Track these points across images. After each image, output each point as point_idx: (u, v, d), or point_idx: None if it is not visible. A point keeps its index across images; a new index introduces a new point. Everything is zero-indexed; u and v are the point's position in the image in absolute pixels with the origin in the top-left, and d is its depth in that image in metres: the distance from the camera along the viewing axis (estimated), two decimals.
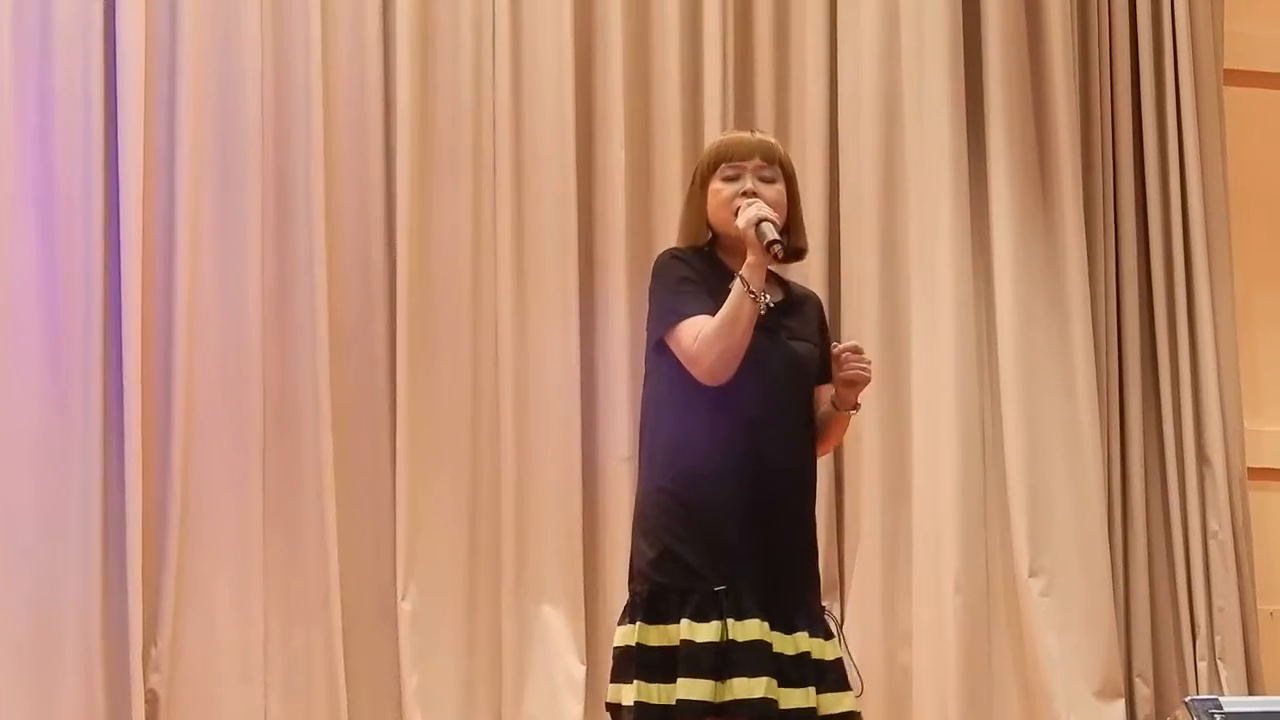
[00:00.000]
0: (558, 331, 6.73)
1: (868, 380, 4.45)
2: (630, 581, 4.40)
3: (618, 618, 4.37)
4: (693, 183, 4.53)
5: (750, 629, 4.21)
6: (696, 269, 4.41)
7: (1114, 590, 6.80)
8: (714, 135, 6.48)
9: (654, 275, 4.45)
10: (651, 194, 6.92)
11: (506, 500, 6.60)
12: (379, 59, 6.67)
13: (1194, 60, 7.12)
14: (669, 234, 6.24)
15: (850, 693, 4.34)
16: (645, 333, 4.42)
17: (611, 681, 4.36)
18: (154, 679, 6.25)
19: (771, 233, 4.24)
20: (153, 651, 6.26)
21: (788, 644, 4.25)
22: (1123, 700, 6.71)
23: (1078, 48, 7.04)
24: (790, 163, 4.50)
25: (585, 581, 6.68)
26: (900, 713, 6.72)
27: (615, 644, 4.37)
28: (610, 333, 6.80)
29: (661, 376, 4.42)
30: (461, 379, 6.68)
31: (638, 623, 4.29)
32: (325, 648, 6.34)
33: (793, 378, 4.41)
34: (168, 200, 6.44)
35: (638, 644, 4.29)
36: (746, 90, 7.01)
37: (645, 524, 4.39)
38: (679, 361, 4.34)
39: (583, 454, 6.72)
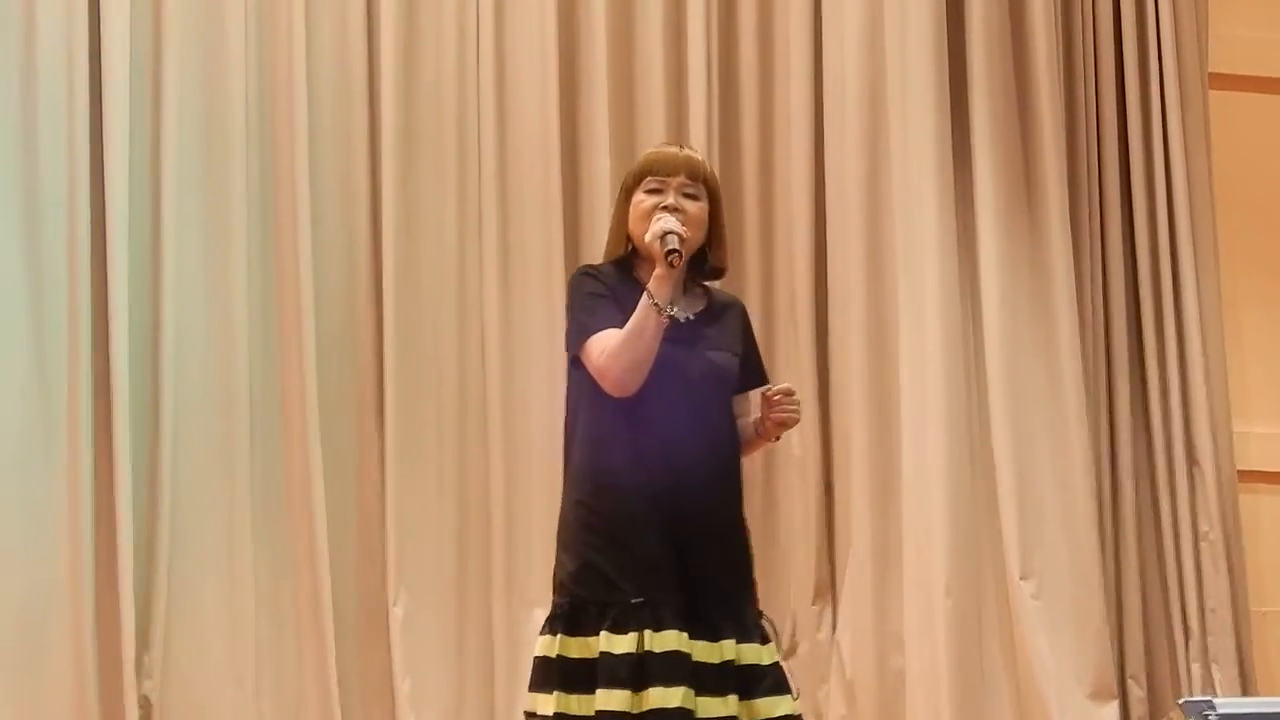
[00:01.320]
0: (543, 336, 6.71)
1: (797, 421, 4.50)
2: (553, 593, 4.43)
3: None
4: (619, 195, 4.57)
5: (668, 640, 4.25)
6: (607, 283, 4.46)
7: (1106, 592, 6.82)
8: (699, 138, 6.79)
9: (568, 291, 4.52)
10: None
11: (495, 505, 6.61)
12: (363, 61, 6.70)
13: (1179, 63, 7.16)
14: None
15: (787, 696, 4.37)
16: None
17: (530, 690, 4.40)
18: (147, 685, 6.27)
19: (672, 242, 4.28)
20: (145, 658, 6.28)
21: (712, 652, 4.29)
22: (1116, 702, 6.72)
23: (1062, 50, 7.07)
24: (716, 181, 4.55)
25: None
26: (893, 717, 6.72)
27: (535, 654, 4.40)
28: None
29: (578, 390, 4.48)
30: (448, 384, 6.69)
31: (558, 635, 4.33)
32: (317, 653, 6.37)
33: (711, 387, 4.45)
34: (153, 205, 6.48)
35: (559, 655, 4.33)
36: (731, 92, 7.02)
37: (565, 536, 4.44)
38: (591, 375, 4.41)
39: None
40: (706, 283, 4.60)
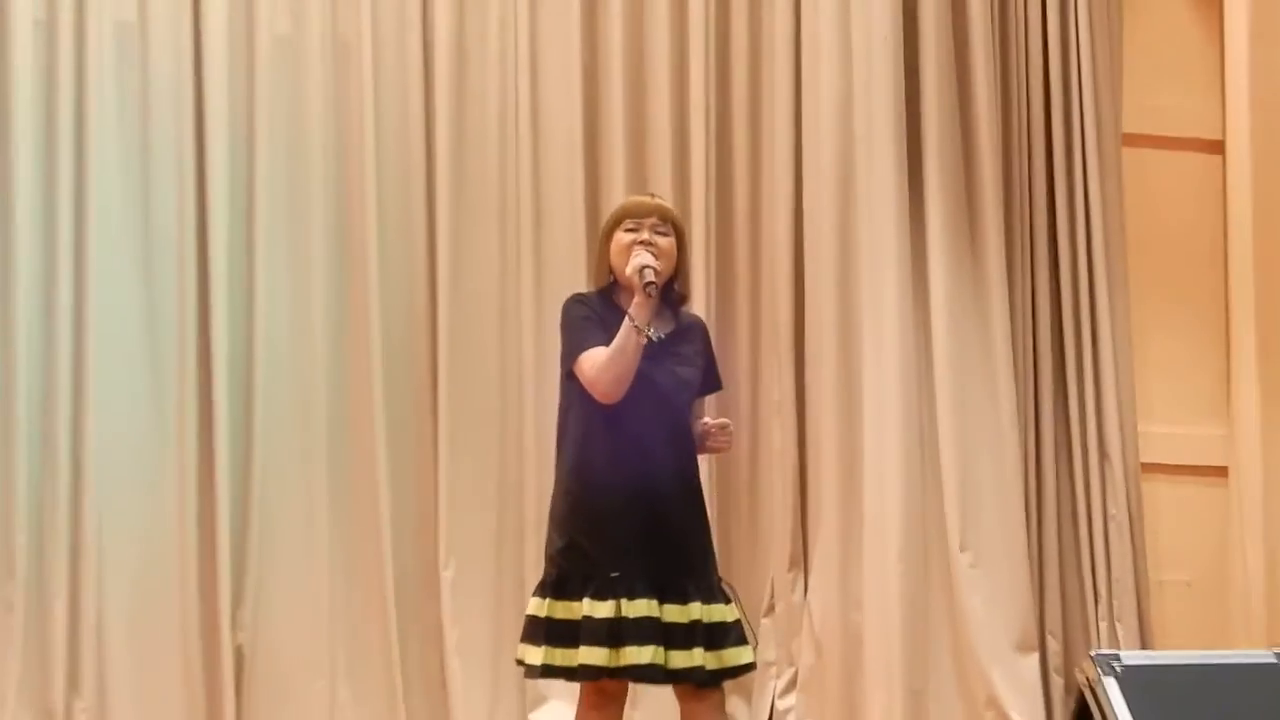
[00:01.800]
0: None
1: (727, 449, 4.99)
2: (545, 563, 4.78)
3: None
4: (601, 235, 4.89)
5: (639, 607, 4.59)
6: (594, 308, 4.77)
7: (1030, 562, 7.05)
8: (699, 181, 7.15)
9: (562, 316, 4.80)
10: None
11: (529, 486, 6.87)
12: (420, 112, 6.94)
13: (1098, 126, 7.33)
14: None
15: (748, 647, 4.74)
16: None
17: (521, 641, 4.75)
18: (240, 636, 6.69)
19: (649, 275, 4.61)
20: (239, 614, 6.69)
21: (681, 614, 4.63)
22: (1037, 654, 6.98)
23: (1000, 117, 7.24)
24: (681, 223, 4.87)
25: None
26: (854, 665, 6.98)
27: (527, 612, 4.75)
28: None
29: (568, 399, 4.79)
30: (491, 382, 6.92)
31: (547, 598, 4.68)
32: (380, 608, 6.70)
33: (677, 397, 4.78)
34: (247, 238, 6.78)
35: (546, 616, 4.67)
36: (725, 147, 7.30)
37: (555, 518, 4.78)
38: (583, 386, 4.70)
39: None
40: (679, 307, 4.90)
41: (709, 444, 4.86)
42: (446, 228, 6.92)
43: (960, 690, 6.95)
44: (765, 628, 7.17)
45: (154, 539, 6.65)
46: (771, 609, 7.19)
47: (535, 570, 6.18)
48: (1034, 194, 7.35)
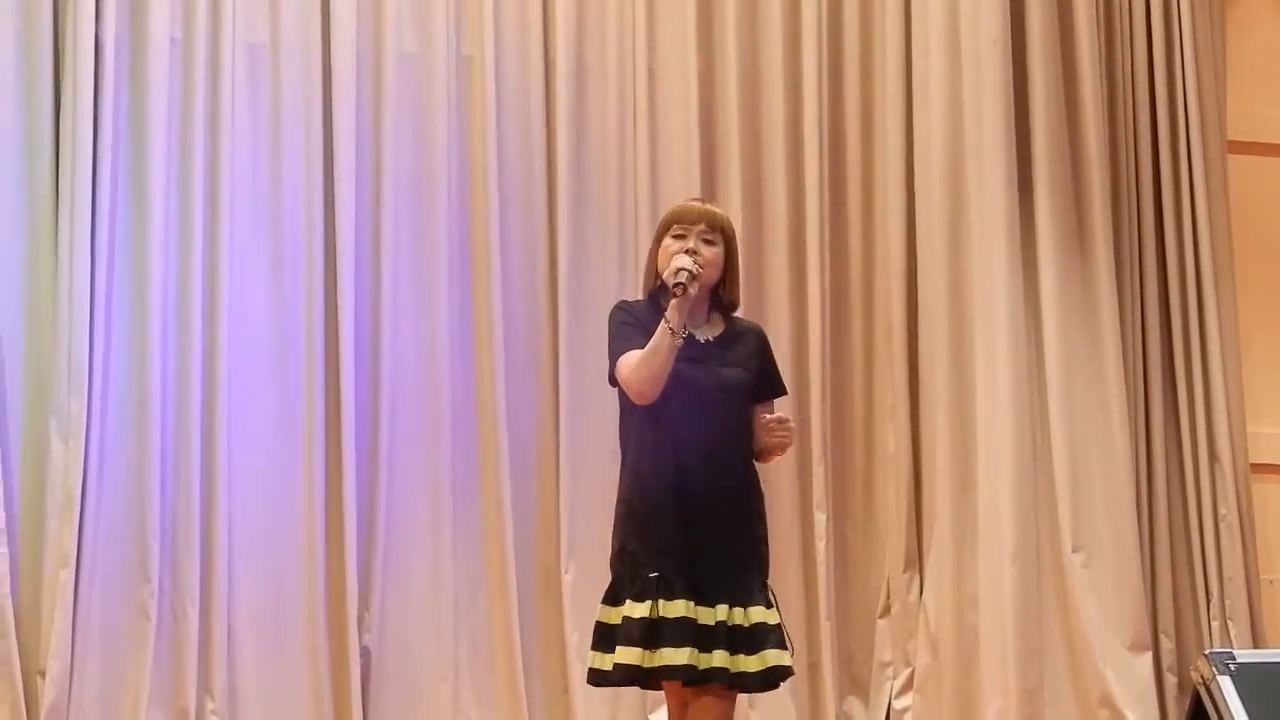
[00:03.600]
0: None
1: (788, 446, 4.78)
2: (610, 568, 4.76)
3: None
4: (653, 241, 4.83)
5: (677, 607, 4.55)
6: (635, 314, 4.73)
7: (1141, 563, 7.05)
8: (812, 186, 7.20)
9: (609, 324, 4.79)
10: (763, 253, 7.25)
11: None
12: (542, 136, 7.06)
13: (1203, 134, 7.38)
14: (779, 271, 7.01)
15: (786, 651, 4.66)
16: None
17: (592, 649, 4.73)
18: (366, 638, 6.74)
19: (681, 277, 4.56)
20: (366, 616, 6.75)
21: (711, 615, 4.58)
22: (1150, 653, 6.98)
23: (1108, 124, 7.27)
24: (731, 228, 4.79)
25: None
26: (969, 665, 7.02)
27: (596, 619, 4.73)
28: None
29: (621, 404, 4.79)
30: (610, 395, 5.76)
31: (603, 605, 4.71)
32: (504, 612, 6.76)
33: (720, 399, 4.70)
34: (374, 244, 6.86)
35: (600, 621, 4.69)
36: (839, 154, 7.36)
37: (615, 524, 4.77)
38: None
39: None
40: (731, 313, 4.83)
41: (767, 439, 4.78)
42: (567, 236, 7.01)
43: (1074, 690, 6.96)
44: (881, 629, 7.26)
45: (283, 544, 6.74)
46: (887, 610, 7.25)
47: None
48: (1141, 197, 7.38)
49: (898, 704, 7.15)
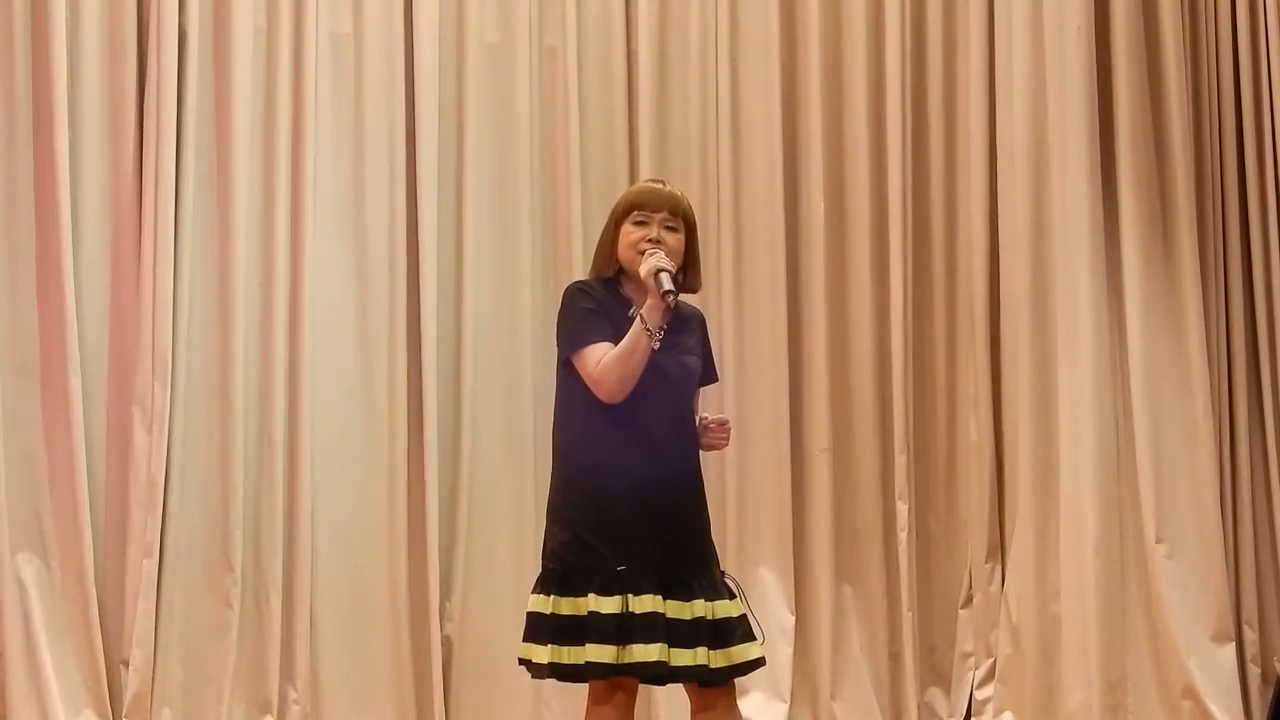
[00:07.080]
0: (767, 338, 7.13)
1: (724, 446, 4.77)
2: (545, 559, 4.61)
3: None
4: (608, 222, 4.72)
5: (645, 602, 4.47)
6: (598, 298, 4.62)
7: (1225, 554, 6.98)
8: (895, 180, 7.20)
9: (563, 303, 4.67)
10: (846, 242, 7.30)
11: (729, 482, 7.01)
12: (624, 113, 7.12)
13: None
14: (862, 260, 6.98)
15: (755, 643, 4.61)
16: (555, 348, 4.63)
17: (524, 640, 4.61)
18: (448, 627, 6.85)
19: (667, 283, 4.47)
20: (447, 606, 6.85)
21: (684, 610, 4.51)
22: (1233, 644, 6.92)
23: (1192, 114, 7.19)
24: (693, 214, 4.71)
25: (794, 549, 7.08)
26: (1051, 656, 6.98)
27: (529, 609, 4.59)
28: (811, 341, 7.20)
29: (568, 387, 4.67)
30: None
31: (551, 595, 4.54)
32: None
33: (683, 387, 4.68)
34: (456, 244, 6.94)
35: (551, 613, 4.53)
36: (921, 152, 7.37)
37: (556, 510, 4.63)
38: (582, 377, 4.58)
39: (791, 442, 7.09)
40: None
41: (707, 440, 4.74)
42: None
43: (1157, 680, 6.92)
44: (963, 619, 7.27)
45: (365, 532, 6.81)
46: (969, 600, 7.25)
47: (737, 565, 6.81)
48: (1225, 188, 7.31)
49: (979, 694, 7.15)
